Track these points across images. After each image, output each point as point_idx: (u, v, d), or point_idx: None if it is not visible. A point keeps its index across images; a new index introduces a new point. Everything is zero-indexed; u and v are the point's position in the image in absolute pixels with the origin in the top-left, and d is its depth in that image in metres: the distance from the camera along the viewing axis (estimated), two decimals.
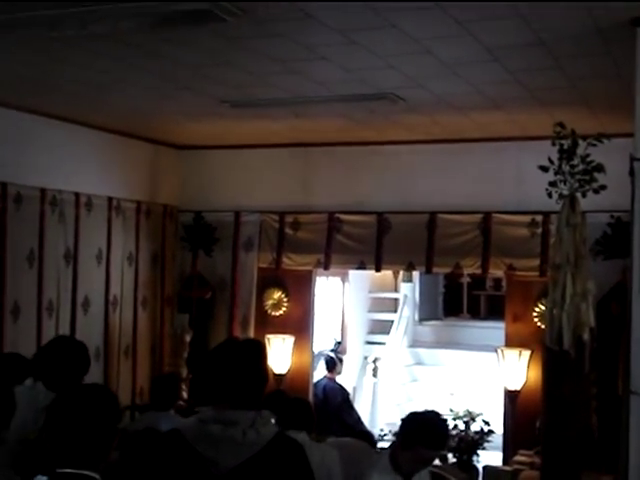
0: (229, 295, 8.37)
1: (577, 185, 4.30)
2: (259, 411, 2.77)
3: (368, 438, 6.95)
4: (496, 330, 9.22)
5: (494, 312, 12.09)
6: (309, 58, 5.05)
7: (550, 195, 4.40)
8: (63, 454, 2.47)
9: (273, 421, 4.88)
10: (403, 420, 4.16)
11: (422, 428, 3.99)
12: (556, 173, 4.35)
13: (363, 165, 8.06)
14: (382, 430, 7.74)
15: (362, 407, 10.35)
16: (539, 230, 7.32)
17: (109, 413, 2.53)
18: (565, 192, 4.34)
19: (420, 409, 4.69)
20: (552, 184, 4.36)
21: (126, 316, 7.93)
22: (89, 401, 2.52)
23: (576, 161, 4.30)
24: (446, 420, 4.23)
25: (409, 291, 12.18)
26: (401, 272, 11.72)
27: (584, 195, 4.36)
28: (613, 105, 5.91)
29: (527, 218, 7.37)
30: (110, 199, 7.74)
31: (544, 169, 4.36)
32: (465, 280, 12.98)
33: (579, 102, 5.96)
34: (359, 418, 9.10)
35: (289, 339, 8.12)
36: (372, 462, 4.20)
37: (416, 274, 11.56)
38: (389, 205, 7.92)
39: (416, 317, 12.29)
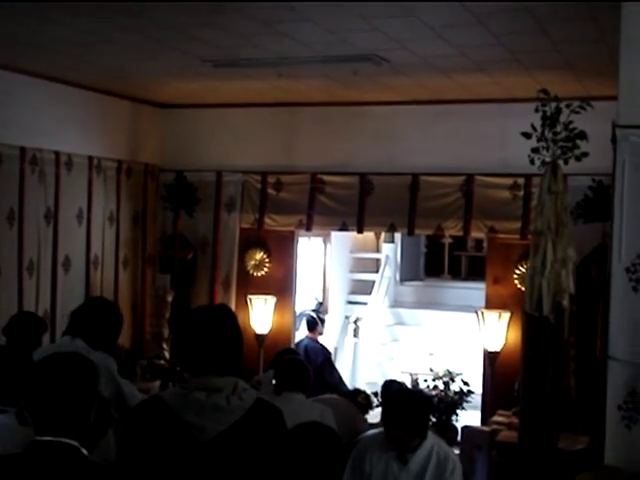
0: (211, 255, 8.36)
1: (559, 152, 4.31)
2: (238, 377, 2.81)
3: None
4: (477, 291, 9.29)
5: (475, 273, 12.17)
6: (293, 19, 5.00)
7: (532, 162, 4.40)
8: (42, 422, 2.47)
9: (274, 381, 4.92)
10: None
11: (384, 406, 4.02)
12: (539, 140, 4.35)
13: (346, 126, 8.03)
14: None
15: (343, 367, 10.43)
16: (521, 193, 7.33)
17: (86, 380, 2.53)
18: (547, 159, 4.34)
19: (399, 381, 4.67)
20: (534, 151, 4.37)
21: (107, 276, 7.91)
22: (66, 369, 2.52)
23: (559, 128, 4.31)
24: (412, 399, 4.08)
25: (391, 251, 12.20)
26: (383, 233, 11.74)
27: (566, 162, 4.37)
28: (597, 69, 5.89)
29: (509, 180, 7.37)
30: (90, 158, 7.68)
31: (527, 136, 4.35)
32: (446, 241, 13.01)
33: (563, 66, 5.94)
34: (340, 378, 9.14)
35: (271, 300, 8.14)
36: (373, 438, 4.19)
37: (398, 235, 11.58)
38: (372, 166, 7.91)
39: (397, 277, 12.33)
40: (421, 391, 7.23)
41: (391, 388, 6.18)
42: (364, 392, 6.78)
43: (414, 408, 3.96)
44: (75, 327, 4.39)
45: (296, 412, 4.69)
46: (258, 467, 2.73)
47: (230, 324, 2.85)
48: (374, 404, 6.75)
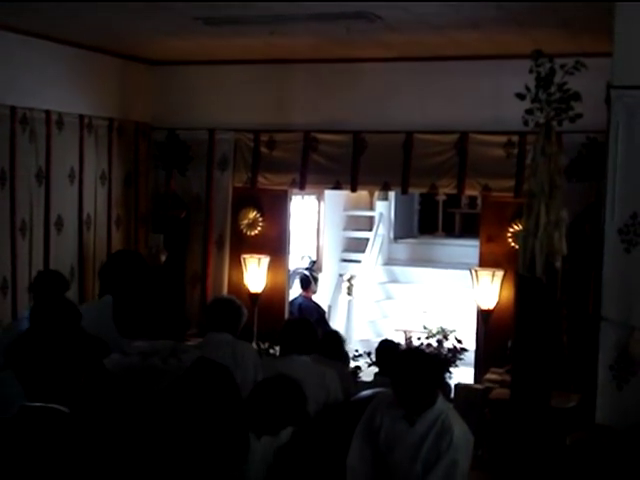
0: (204, 215, 8.33)
1: (553, 113, 4.27)
2: (179, 340, 2.89)
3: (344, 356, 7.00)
4: (470, 248, 9.30)
5: (469, 230, 12.16)
6: None
7: (527, 123, 4.37)
8: (31, 388, 2.49)
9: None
10: None
11: (394, 361, 4.06)
12: (533, 101, 4.31)
13: (340, 83, 7.94)
14: (357, 350, 7.84)
15: (337, 324, 10.47)
16: (515, 150, 7.30)
17: (75, 347, 2.54)
18: (541, 120, 4.31)
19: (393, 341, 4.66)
20: (528, 112, 4.33)
21: (100, 235, 7.88)
22: (55, 337, 2.53)
23: (553, 89, 4.26)
24: (418, 360, 4.09)
25: (385, 209, 12.18)
26: (377, 191, 11.70)
27: (560, 124, 4.33)
28: (591, 26, 5.82)
29: (503, 138, 7.33)
30: (81, 117, 7.60)
31: (521, 97, 4.31)
32: (440, 198, 12.98)
33: (557, 23, 5.87)
34: None
35: (264, 259, 8.14)
36: (388, 395, 4.22)
37: (392, 192, 11.55)
38: (366, 124, 7.84)
39: (391, 235, 12.33)
40: (436, 354, 7.21)
41: (390, 347, 6.18)
42: (336, 333, 6.67)
43: (418, 369, 3.96)
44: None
45: (299, 374, 4.71)
46: (201, 423, 2.75)
47: (164, 290, 2.92)
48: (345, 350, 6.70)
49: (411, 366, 3.96)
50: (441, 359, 6.48)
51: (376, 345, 6.25)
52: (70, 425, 2.48)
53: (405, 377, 3.94)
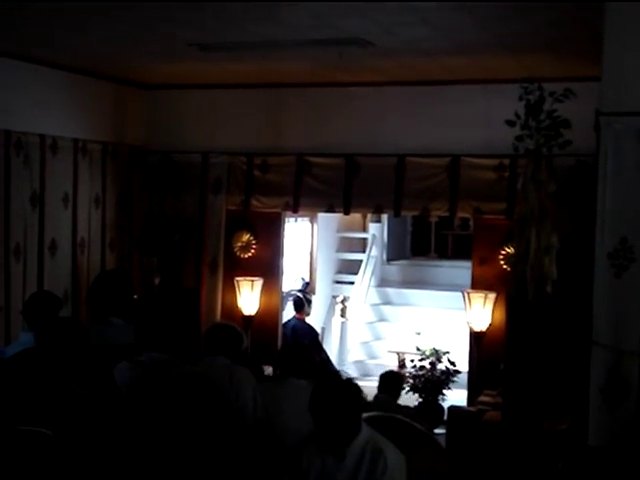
0: (198, 237, 8.35)
1: (543, 140, 4.32)
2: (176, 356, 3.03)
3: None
4: (463, 269, 9.34)
5: (461, 251, 12.20)
6: (278, 2, 4.98)
7: (517, 149, 4.42)
8: (12, 412, 2.51)
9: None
10: None
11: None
12: (522, 128, 4.36)
13: (332, 107, 8.01)
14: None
15: (331, 346, 10.49)
16: (506, 174, 7.35)
17: (53, 376, 2.58)
18: (531, 147, 4.36)
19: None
20: (518, 139, 4.38)
21: (94, 259, 7.91)
22: (32, 364, 2.56)
23: (542, 116, 4.31)
24: (328, 386, 3.82)
25: (377, 231, 12.23)
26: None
27: (550, 150, 4.38)
28: (580, 50, 5.88)
29: (495, 161, 7.39)
30: (76, 141, 7.65)
31: (511, 124, 4.36)
32: (433, 220, 13.02)
33: (546, 48, 5.94)
34: (328, 358, 9.22)
35: (258, 281, 8.16)
36: (311, 434, 3.96)
37: (385, 214, 11.59)
38: (358, 147, 7.90)
39: (384, 257, 12.37)
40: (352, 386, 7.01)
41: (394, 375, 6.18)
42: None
43: (338, 398, 3.69)
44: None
45: (298, 397, 4.72)
46: (186, 434, 2.86)
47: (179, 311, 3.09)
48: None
49: (330, 397, 3.69)
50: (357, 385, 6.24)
51: (369, 366, 6.28)
52: (54, 448, 2.50)
53: (326, 409, 3.65)
